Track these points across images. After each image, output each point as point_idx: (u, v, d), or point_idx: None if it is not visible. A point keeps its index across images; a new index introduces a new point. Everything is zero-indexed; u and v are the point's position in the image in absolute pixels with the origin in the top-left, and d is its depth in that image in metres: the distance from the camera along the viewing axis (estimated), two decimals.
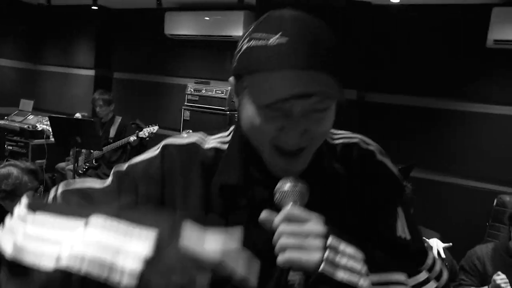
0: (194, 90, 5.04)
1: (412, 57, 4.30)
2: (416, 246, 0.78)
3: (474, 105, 4.10)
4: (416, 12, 4.26)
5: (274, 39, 0.64)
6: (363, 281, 0.63)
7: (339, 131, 0.82)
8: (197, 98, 5.02)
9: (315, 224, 0.62)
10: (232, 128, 0.83)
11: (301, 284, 0.65)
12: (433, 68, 4.23)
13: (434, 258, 0.79)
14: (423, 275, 0.75)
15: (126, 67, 6.14)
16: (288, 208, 0.64)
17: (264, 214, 0.64)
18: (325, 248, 0.61)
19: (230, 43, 5.22)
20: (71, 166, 4.38)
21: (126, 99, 5.89)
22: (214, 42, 5.34)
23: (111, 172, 0.80)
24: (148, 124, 4.29)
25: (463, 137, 4.17)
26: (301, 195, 0.66)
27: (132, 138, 4.15)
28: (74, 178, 3.90)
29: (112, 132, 4.34)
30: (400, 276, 0.69)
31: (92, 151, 4.32)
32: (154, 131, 4.26)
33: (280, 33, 0.63)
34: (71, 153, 4.23)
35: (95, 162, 4.33)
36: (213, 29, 5.13)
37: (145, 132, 4.22)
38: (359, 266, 0.64)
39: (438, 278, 0.77)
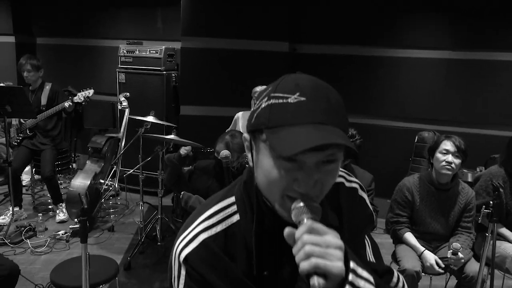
0: (127, 51, 4.90)
1: (337, 8, 4.48)
2: (382, 267, 0.89)
3: (396, 51, 4.41)
4: None
5: (293, 98, 0.71)
6: None
7: None
8: (131, 60, 4.90)
9: (334, 237, 0.67)
10: (231, 200, 0.86)
11: None
12: (357, 17, 4.44)
13: (398, 276, 0.91)
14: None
15: (51, 32, 5.77)
16: (309, 222, 0.68)
17: (287, 230, 0.70)
18: (346, 259, 0.67)
19: (160, 0, 5.09)
20: (3, 140, 4.19)
21: (54, 66, 5.59)
22: (142, 0, 5.16)
23: None
24: (81, 89, 4.14)
25: (386, 82, 4.50)
26: (317, 210, 0.71)
27: (67, 104, 4.00)
28: (7, 151, 3.75)
29: (44, 100, 4.15)
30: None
31: (23, 120, 4.14)
32: (90, 95, 4.11)
33: (298, 93, 0.71)
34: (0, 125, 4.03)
35: (30, 132, 4.16)
36: None
37: (80, 97, 4.06)
38: (372, 281, 0.71)
39: None
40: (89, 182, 3.94)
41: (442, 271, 2.52)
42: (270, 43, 4.56)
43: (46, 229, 3.90)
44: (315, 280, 0.63)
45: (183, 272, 0.81)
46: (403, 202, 2.64)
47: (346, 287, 0.66)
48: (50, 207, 4.39)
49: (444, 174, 2.52)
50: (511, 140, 2.64)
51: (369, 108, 4.54)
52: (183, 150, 3.06)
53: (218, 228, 0.82)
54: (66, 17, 5.62)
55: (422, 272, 2.51)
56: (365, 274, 0.70)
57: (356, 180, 0.94)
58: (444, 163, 2.50)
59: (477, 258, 2.56)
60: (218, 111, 4.62)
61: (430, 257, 2.51)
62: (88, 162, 4.18)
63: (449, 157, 2.48)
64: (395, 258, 2.69)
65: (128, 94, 4.34)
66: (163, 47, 4.80)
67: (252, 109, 0.79)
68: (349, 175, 0.94)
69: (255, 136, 0.77)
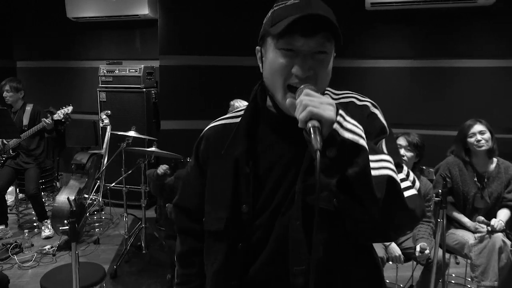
0: (107, 71, 5.08)
1: None
2: (396, 160, 0.90)
3: (362, 61, 4.72)
4: None
5: (291, 2, 0.88)
6: (363, 141, 0.78)
7: (339, 91, 1.06)
8: (111, 79, 5.08)
9: (326, 98, 0.81)
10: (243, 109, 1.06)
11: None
12: None
13: (408, 171, 0.95)
14: (402, 175, 0.91)
15: (31, 55, 5.92)
16: (307, 89, 0.82)
17: (288, 100, 0.88)
18: (336, 111, 0.78)
19: (138, 22, 5.32)
20: None
21: (36, 89, 5.71)
22: (121, 22, 5.37)
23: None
24: (61, 107, 4.27)
25: (354, 90, 4.77)
26: (314, 89, 0.84)
27: (47, 121, 4.12)
28: None
29: (25, 120, 4.28)
30: (388, 157, 0.86)
31: (6, 141, 4.25)
32: (69, 111, 4.24)
33: None
34: None
35: (13, 152, 4.27)
36: (119, 9, 5.13)
37: (59, 114, 4.19)
38: (360, 131, 0.80)
39: (413, 183, 0.93)
40: (73, 198, 4.05)
41: (404, 262, 2.75)
42: (246, 59, 4.81)
43: (32, 245, 3.98)
44: (311, 123, 0.75)
45: (200, 145, 1.11)
46: None
47: (334, 125, 0.77)
48: (35, 224, 4.47)
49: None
50: (460, 130, 2.91)
51: None
52: (160, 170, 3.27)
53: (221, 122, 1.09)
54: (46, 40, 5.78)
55: (389, 261, 2.74)
56: (352, 120, 0.80)
57: (369, 100, 1.05)
58: None
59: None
60: (197, 124, 4.79)
61: (396, 249, 2.74)
62: (72, 178, 4.30)
63: (402, 151, 2.74)
64: None
65: (109, 112, 4.49)
66: (142, 65, 5.00)
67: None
68: (362, 96, 1.06)
69: (264, 42, 0.94)
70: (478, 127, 2.79)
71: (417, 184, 0.94)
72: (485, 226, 2.69)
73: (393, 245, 2.75)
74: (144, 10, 5.01)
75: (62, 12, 5.27)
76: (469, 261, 2.79)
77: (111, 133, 4.35)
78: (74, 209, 1.91)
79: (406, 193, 0.87)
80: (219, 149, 1.01)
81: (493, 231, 2.63)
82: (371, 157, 0.80)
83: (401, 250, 2.75)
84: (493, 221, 2.68)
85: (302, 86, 0.85)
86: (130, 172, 3.85)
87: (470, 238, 2.75)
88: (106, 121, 4.41)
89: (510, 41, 4.30)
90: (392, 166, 0.85)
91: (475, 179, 2.84)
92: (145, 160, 3.69)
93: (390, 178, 0.82)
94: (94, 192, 4.42)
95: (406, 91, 4.64)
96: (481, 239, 2.65)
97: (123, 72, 5.03)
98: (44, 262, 3.69)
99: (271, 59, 0.91)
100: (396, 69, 4.65)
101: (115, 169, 4.38)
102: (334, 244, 0.93)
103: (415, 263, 2.86)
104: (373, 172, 0.79)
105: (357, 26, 4.64)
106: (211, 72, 4.84)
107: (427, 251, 2.58)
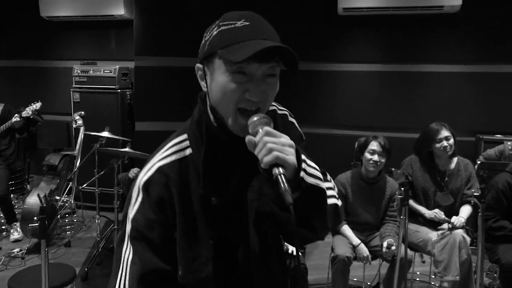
0: (81, 71, 5.03)
1: (279, 25, 4.85)
2: (321, 169, 0.99)
3: (334, 65, 4.84)
4: None
5: (239, 23, 0.86)
6: (322, 184, 0.86)
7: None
8: (85, 80, 5.03)
9: (286, 139, 0.82)
10: (184, 136, 0.99)
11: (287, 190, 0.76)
12: (297, 35, 4.84)
13: (330, 178, 1.06)
14: (330, 184, 1.02)
15: (2, 54, 5.79)
16: (266, 128, 0.83)
17: (248, 137, 0.84)
18: (297, 156, 0.81)
19: (113, 22, 5.29)
20: None
21: (7, 88, 5.60)
22: (96, 22, 5.32)
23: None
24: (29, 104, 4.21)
25: (326, 94, 4.91)
26: (269, 121, 0.85)
27: (15, 119, 4.05)
28: None
29: None
30: (330, 184, 1.00)
31: None
32: (38, 108, 4.17)
33: (243, 20, 0.87)
34: None
35: None
36: (93, 9, 5.10)
37: (28, 111, 4.12)
38: (319, 173, 0.87)
39: (334, 188, 1.05)
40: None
41: (372, 261, 2.86)
42: None
43: (0, 248, 3.90)
44: (278, 170, 0.78)
45: (139, 198, 0.94)
46: (338, 197, 2.95)
47: (301, 173, 0.82)
48: (4, 227, 4.37)
49: (371, 171, 2.89)
50: (425, 134, 3.01)
51: (312, 118, 4.90)
52: (131, 174, 3.27)
53: (173, 158, 0.96)
54: (18, 39, 5.67)
55: (357, 260, 2.83)
56: (312, 163, 0.89)
57: (285, 109, 1.11)
58: (371, 161, 2.86)
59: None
60: (171, 125, 4.75)
61: (365, 250, 2.83)
62: (43, 179, 4.23)
63: (375, 157, 2.85)
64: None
65: (83, 112, 4.44)
66: (117, 66, 4.97)
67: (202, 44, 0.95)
68: (279, 104, 1.10)
69: (209, 61, 0.91)
70: (444, 133, 2.90)
71: (336, 189, 1.05)
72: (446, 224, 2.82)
73: (361, 246, 2.83)
74: (119, 11, 4.99)
75: (36, 11, 5.19)
76: (433, 258, 2.91)
77: (84, 134, 4.31)
78: (44, 205, 1.91)
79: (330, 201, 0.97)
80: (183, 188, 0.94)
81: (453, 228, 2.76)
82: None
83: (369, 248, 2.85)
84: (454, 219, 2.81)
85: (256, 119, 0.86)
86: (103, 172, 3.82)
87: (433, 235, 2.87)
88: (80, 122, 4.37)
89: (473, 48, 4.50)
90: (334, 193, 0.97)
91: (438, 178, 2.96)
92: (118, 161, 3.67)
93: (335, 206, 0.94)
94: (65, 194, 4.36)
95: (376, 95, 4.78)
96: (443, 236, 2.77)
97: (97, 73, 4.99)
98: (12, 266, 3.62)
99: (221, 82, 0.88)
100: (366, 73, 4.79)
101: (88, 172, 4.34)
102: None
103: (381, 260, 2.96)
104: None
105: (330, 31, 4.75)
106: (186, 73, 4.82)
107: (393, 247, 2.68)
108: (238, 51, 0.82)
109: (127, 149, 3.59)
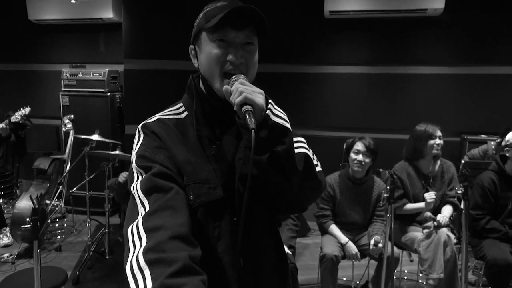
0: (70, 75, 5.02)
1: (272, 31, 4.92)
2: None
3: (322, 67, 4.91)
4: None
5: (220, 4, 1.03)
6: (288, 125, 0.98)
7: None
8: (74, 83, 5.02)
9: (258, 88, 0.95)
10: (180, 104, 1.15)
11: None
12: (285, 38, 4.91)
13: (315, 156, 1.16)
14: (315, 161, 1.13)
15: None
16: (241, 79, 0.97)
17: (225, 86, 0.98)
18: (266, 100, 0.95)
19: (102, 25, 5.29)
20: None
21: None
22: (85, 25, 5.33)
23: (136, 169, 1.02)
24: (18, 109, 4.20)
25: (315, 96, 4.98)
26: (245, 79, 0.99)
27: (1, 125, 4.04)
28: None
29: None
30: (302, 139, 1.11)
31: None
32: (27, 113, 4.16)
33: (222, 1, 1.04)
34: None
35: None
36: (82, 12, 5.11)
37: (16, 116, 4.12)
38: (285, 117, 1.01)
39: (318, 165, 1.16)
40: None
41: (361, 259, 2.92)
42: None
43: None
44: (245, 107, 0.90)
45: (140, 138, 1.05)
46: (326, 197, 3.02)
47: (267, 111, 0.95)
48: None
49: (356, 171, 2.95)
50: (421, 133, 3.05)
51: (301, 120, 4.97)
52: (121, 178, 3.28)
53: (171, 116, 1.10)
54: (7, 42, 5.65)
55: (345, 258, 2.88)
56: (279, 109, 1.01)
57: (281, 110, 1.20)
58: (356, 161, 2.93)
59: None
60: None
61: (353, 247, 2.89)
62: (33, 183, 4.22)
63: (360, 156, 2.92)
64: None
65: (72, 116, 4.44)
66: (107, 69, 4.98)
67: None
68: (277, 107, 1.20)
69: (198, 39, 1.07)
70: (439, 132, 3.00)
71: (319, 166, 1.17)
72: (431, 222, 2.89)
73: (350, 244, 2.89)
74: (108, 14, 5.00)
75: (24, 14, 5.18)
76: (419, 256, 2.97)
77: (74, 138, 4.30)
78: (37, 206, 1.93)
79: (316, 169, 1.10)
80: (174, 136, 1.05)
81: (439, 226, 2.83)
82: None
83: (357, 247, 2.91)
84: (439, 217, 2.89)
85: (235, 76, 1.00)
86: (93, 175, 3.83)
87: (419, 234, 2.94)
88: (69, 125, 4.36)
89: (457, 50, 4.61)
90: (306, 146, 1.09)
91: (423, 181, 3.04)
92: (109, 164, 3.69)
93: (306, 155, 1.03)
94: (56, 199, 4.35)
95: (363, 97, 4.86)
96: (428, 235, 2.84)
97: (87, 76, 4.99)
98: (2, 271, 3.61)
99: (207, 51, 1.04)
100: (353, 75, 4.87)
101: (78, 176, 4.33)
102: (257, 210, 1.09)
103: (369, 259, 3.02)
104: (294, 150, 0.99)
105: (317, 34, 4.83)
106: (176, 76, 4.88)
107: (380, 245, 2.74)
108: (215, 18, 1.00)
109: (117, 152, 3.60)
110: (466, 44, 4.59)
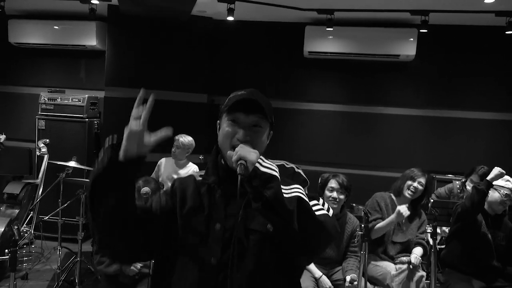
0: (48, 99, 4.98)
1: (249, 65, 5.11)
2: (312, 194, 1.30)
3: (301, 104, 5.10)
4: (249, 27, 5.07)
5: (241, 92, 1.28)
6: (275, 173, 1.13)
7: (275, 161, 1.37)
8: (52, 107, 4.98)
9: (255, 150, 1.16)
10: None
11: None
12: (265, 74, 5.10)
13: (324, 202, 1.31)
14: (319, 206, 1.26)
15: None
16: (242, 144, 1.18)
17: (229, 152, 1.21)
18: (259, 156, 1.15)
19: (84, 52, 5.33)
20: None
21: None
22: (67, 51, 5.35)
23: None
24: None
25: (292, 131, 5.14)
26: (248, 145, 1.19)
27: None
28: None
29: None
30: (298, 186, 1.22)
31: None
32: (1, 140, 4.11)
33: (243, 91, 1.29)
34: None
35: None
36: (65, 38, 5.14)
37: None
38: (274, 167, 1.15)
39: (328, 210, 1.29)
40: (3, 229, 3.86)
41: None
42: (190, 95, 5.00)
43: None
44: (240, 161, 1.10)
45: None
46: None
47: (256, 164, 1.12)
48: None
49: (331, 207, 3.05)
50: (407, 173, 3.25)
51: (277, 154, 5.06)
52: (143, 190, 3.22)
53: (199, 178, 1.35)
54: None
55: None
56: (269, 162, 1.17)
57: (294, 165, 1.45)
58: (330, 198, 3.04)
59: None
60: None
61: (327, 281, 2.95)
62: (2, 208, 4.10)
63: (334, 194, 3.03)
64: None
65: (47, 140, 4.39)
66: (86, 95, 4.98)
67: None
68: (288, 163, 1.44)
69: (221, 118, 1.31)
70: (421, 179, 3.18)
71: (331, 211, 1.31)
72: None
73: (324, 278, 2.95)
74: (91, 41, 5.06)
75: (4, 36, 5.15)
76: None
77: (49, 163, 4.24)
78: (17, 237, 1.91)
79: (318, 213, 1.21)
80: (191, 187, 1.33)
81: (414, 267, 2.96)
82: (285, 187, 1.16)
83: (331, 282, 2.97)
84: (413, 259, 3.02)
85: (239, 145, 1.21)
86: (68, 203, 3.77)
87: (392, 269, 3.04)
88: (44, 150, 4.31)
89: (426, 94, 4.92)
90: (302, 191, 1.19)
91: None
92: (85, 192, 3.64)
93: (299, 198, 1.15)
94: (25, 224, 4.23)
95: (338, 134, 5.06)
96: (401, 271, 2.96)
97: (65, 101, 4.97)
98: None
99: (223, 127, 1.29)
100: (329, 112, 5.08)
101: (51, 201, 4.24)
102: (264, 262, 1.24)
103: None
104: (286, 195, 1.14)
105: (296, 72, 5.04)
106: (156, 106, 4.89)
107: (356, 283, 2.82)
108: (231, 103, 1.26)
109: None
110: (435, 89, 4.90)
